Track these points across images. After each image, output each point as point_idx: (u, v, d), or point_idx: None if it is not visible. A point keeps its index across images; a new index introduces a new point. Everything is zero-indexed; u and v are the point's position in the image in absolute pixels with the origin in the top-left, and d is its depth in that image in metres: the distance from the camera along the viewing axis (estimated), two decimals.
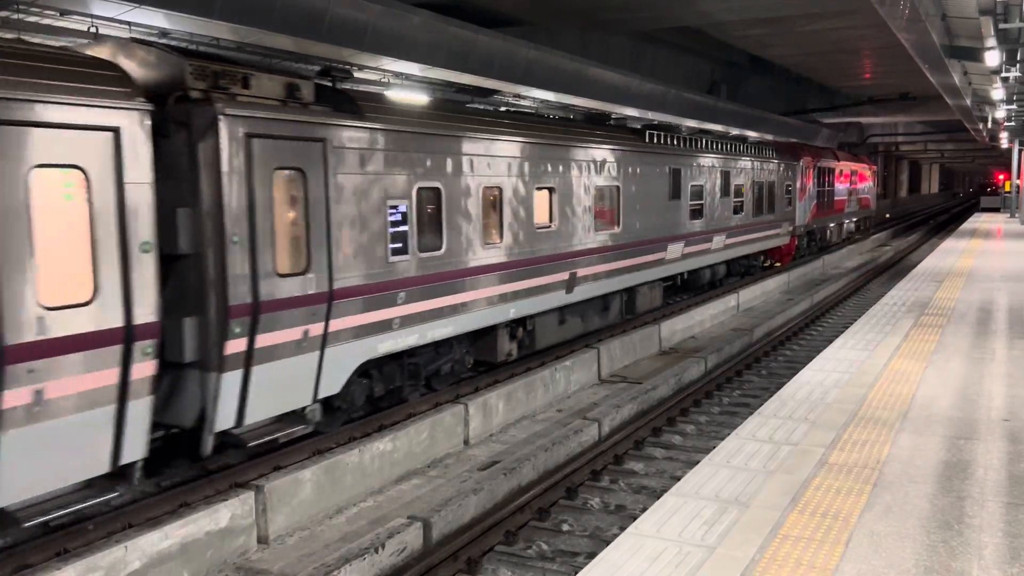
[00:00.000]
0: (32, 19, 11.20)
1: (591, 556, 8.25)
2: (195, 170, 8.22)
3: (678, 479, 8.83)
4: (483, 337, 13.13)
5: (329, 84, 10.28)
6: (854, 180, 38.16)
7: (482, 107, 18.23)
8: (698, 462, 7.16)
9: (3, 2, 10.31)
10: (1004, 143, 46.96)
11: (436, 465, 10.61)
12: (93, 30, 11.27)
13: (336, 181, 9.55)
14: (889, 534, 5.37)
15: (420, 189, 10.92)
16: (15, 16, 10.73)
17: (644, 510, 8.92)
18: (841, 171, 35.40)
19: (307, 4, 12.50)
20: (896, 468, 6.53)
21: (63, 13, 10.92)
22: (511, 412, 12.32)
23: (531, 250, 13.37)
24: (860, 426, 7.60)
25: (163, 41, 11.72)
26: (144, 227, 7.46)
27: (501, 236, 12.67)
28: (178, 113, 8.18)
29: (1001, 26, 15.78)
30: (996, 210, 56.14)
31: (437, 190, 11.25)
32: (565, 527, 9.11)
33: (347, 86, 11.86)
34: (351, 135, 9.78)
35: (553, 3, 19.28)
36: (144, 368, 7.51)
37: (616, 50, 24.47)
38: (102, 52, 8.28)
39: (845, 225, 37.71)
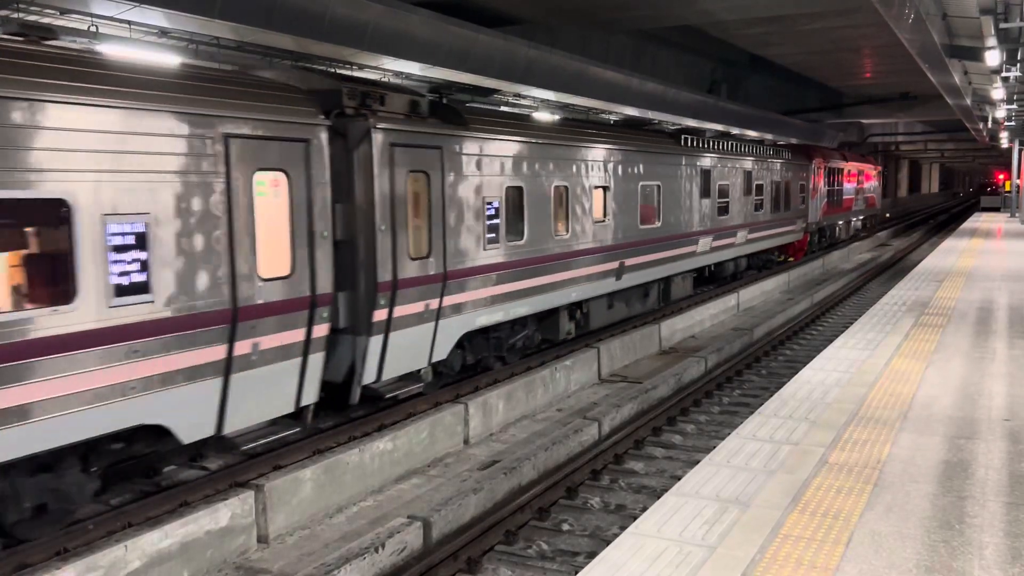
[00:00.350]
0: (32, 18, 11.19)
1: (591, 556, 8.25)
2: (351, 172, 10.15)
3: (678, 479, 8.82)
4: (548, 317, 14.85)
5: (438, 99, 11.95)
6: (861, 180, 39.41)
7: (552, 116, 19.58)
8: (698, 462, 7.15)
9: (3, 1, 10.30)
10: (1004, 143, 46.93)
11: (436, 464, 10.60)
12: (93, 29, 11.25)
13: (449, 181, 11.53)
14: (890, 534, 5.36)
15: (508, 188, 12.86)
16: (15, 15, 10.71)
17: (644, 510, 8.91)
18: (849, 171, 36.73)
19: (307, 3, 12.49)
20: (897, 468, 6.52)
21: (63, 12, 10.90)
22: (511, 411, 12.32)
23: (590, 242, 15.27)
24: (861, 425, 7.59)
25: (321, 67, 13.61)
26: (324, 218, 9.37)
27: (567, 229, 14.56)
28: (338, 126, 9.92)
29: (1002, 25, 15.76)
30: (996, 210, 56.13)
31: (520, 189, 13.18)
32: (565, 527, 9.10)
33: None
34: (460, 143, 11.79)
35: (553, 1, 19.27)
36: (321, 329, 9.39)
37: (616, 49, 24.46)
38: (270, 74, 10.03)
39: (853, 223, 38.87)
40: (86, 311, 7.03)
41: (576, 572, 7.63)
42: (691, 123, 25.44)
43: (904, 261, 34.66)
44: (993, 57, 17.88)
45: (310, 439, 10.17)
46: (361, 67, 15.22)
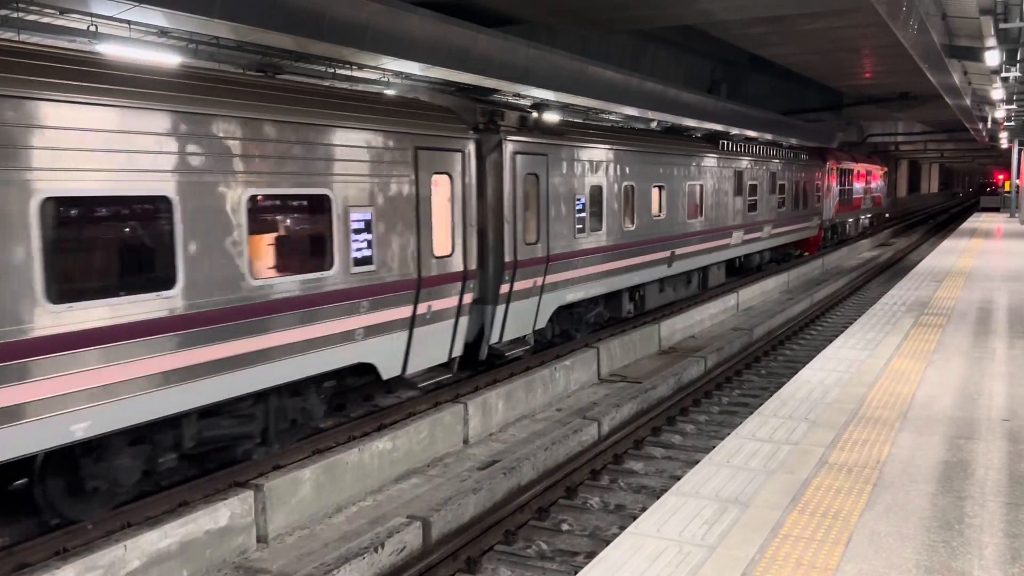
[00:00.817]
0: (31, 17, 11.17)
1: (591, 556, 8.24)
2: (483, 175, 12.86)
3: (678, 479, 8.83)
4: (614, 298, 17.38)
5: (539, 115, 14.59)
6: (869, 180, 42.07)
7: (620, 125, 22.57)
8: (698, 462, 7.15)
9: (3, 1, 10.28)
10: (1004, 143, 46.91)
11: (436, 464, 10.60)
12: (93, 29, 11.24)
13: (551, 181, 14.23)
14: (889, 534, 5.36)
15: (591, 187, 15.52)
16: (15, 15, 10.70)
17: (644, 510, 8.91)
18: (858, 172, 39.39)
19: (307, 3, 12.48)
20: (896, 468, 6.52)
21: (62, 12, 10.89)
22: (511, 411, 12.32)
23: (649, 234, 17.84)
24: (860, 425, 7.59)
25: (452, 89, 16.28)
26: (472, 210, 12.04)
27: (632, 222, 17.12)
28: (477, 139, 12.40)
29: (1001, 26, 15.75)
30: (996, 210, 56.11)
31: (600, 188, 15.86)
32: (565, 527, 9.10)
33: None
34: (559, 150, 14.48)
35: (553, 1, 19.26)
36: (468, 297, 12.02)
37: (616, 49, 24.45)
38: (426, 98, 12.61)
39: (861, 220, 41.54)
40: (338, 276, 9.64)
41: (575, 572, 7.64)
42: (691, 122, 25.51)
43: (904, 261, 34.66)
44: (993, 57, 17.87)
45: (309, 439, 10.17)
46: (361, 67, 15.20)
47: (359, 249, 9.97)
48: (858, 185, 39.33)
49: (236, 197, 8.42)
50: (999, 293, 15.79)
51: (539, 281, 13.91)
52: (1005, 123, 36.33)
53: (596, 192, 15.62)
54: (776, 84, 36.94)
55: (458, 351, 11.97)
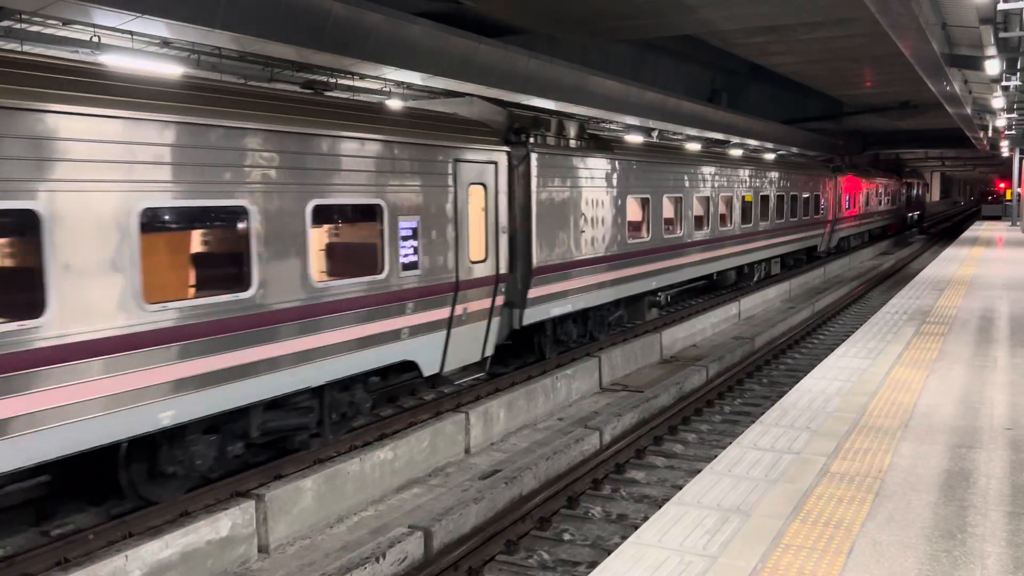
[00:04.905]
0: (35, 28, 11.23)
1: (592, 566, 8.22)
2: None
3: (680, 488, 8.82)
4: (849, 239, 37.66)
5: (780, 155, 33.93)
6: (917, 189, 64.15)
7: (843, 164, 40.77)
8: (700, 471, 7.13)
9: (6, 12, 10.33)
10: (1005, 151, 46.95)
11: (437, 474, 10.59)
12: (96, 40, 11.29)
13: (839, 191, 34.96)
14: (891, 543, 5.35)
15: (865, 193, 40.47)
16: (18, 26, 10.75)
17: (646, 519, 8.89)
18: (911, 184, 60.56)
19: (308, 13, 12.53)
20: (898, 477, 6.51)
21: (65, 23, 10.95)
22: (512, 420, 12.31)
23: (867, 212, 40.64)
24: (862, 435, 7.58)
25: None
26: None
27: (859, 207, 38.46)
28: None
29: (1001, 35, 15.77)
30: (997, 218, 56.08)
31: (859, 193, 38.77)
32: (566, 536, 9.09)
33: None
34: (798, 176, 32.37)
35: (553, 11, 19.33)
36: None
37: (616, 58, 24.54)
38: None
39: (912, 215, 62.60)
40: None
41: None
42: (691, 131, 25.51)
43: (905, 270, 34.66)
44: (993, 66, 17.89)
45: (310, 449, 10.15)
46: (362, 76, 15.25)
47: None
48: (912, 192, 60.69)
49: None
50: (1000, 302, 15.78)
51: (833, 228, 33.41)
52: (1006, 132, 36.37)
53: (864, 195, 36.06)
54: (776, 93, 37.06)
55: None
